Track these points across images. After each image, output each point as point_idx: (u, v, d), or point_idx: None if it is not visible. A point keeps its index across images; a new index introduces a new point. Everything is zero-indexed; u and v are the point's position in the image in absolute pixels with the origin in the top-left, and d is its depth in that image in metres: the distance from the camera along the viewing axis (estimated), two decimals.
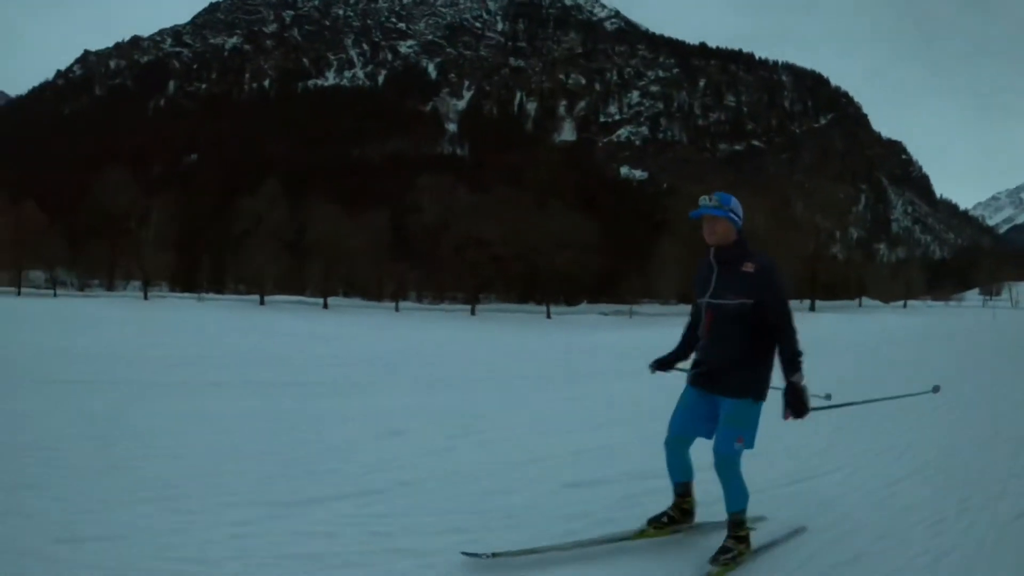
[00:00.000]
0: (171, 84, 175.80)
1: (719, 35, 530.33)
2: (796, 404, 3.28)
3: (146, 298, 54.03)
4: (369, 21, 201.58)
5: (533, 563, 3.19)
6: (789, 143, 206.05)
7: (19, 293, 54.23)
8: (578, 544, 3.39)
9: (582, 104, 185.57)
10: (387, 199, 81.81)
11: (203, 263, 71.35)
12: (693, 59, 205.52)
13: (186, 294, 61.50)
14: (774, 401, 3.40)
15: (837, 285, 70.77)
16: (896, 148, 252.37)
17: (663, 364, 3.76)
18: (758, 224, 73.09)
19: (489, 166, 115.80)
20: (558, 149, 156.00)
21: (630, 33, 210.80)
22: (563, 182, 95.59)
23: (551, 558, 3.23)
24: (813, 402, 3.39)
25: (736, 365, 3.36)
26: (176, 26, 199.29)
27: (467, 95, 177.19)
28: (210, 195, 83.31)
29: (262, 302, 54.31)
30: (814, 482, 4.65)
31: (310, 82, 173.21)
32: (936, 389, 4.19)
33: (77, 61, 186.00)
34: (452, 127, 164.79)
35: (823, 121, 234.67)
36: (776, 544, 3.54)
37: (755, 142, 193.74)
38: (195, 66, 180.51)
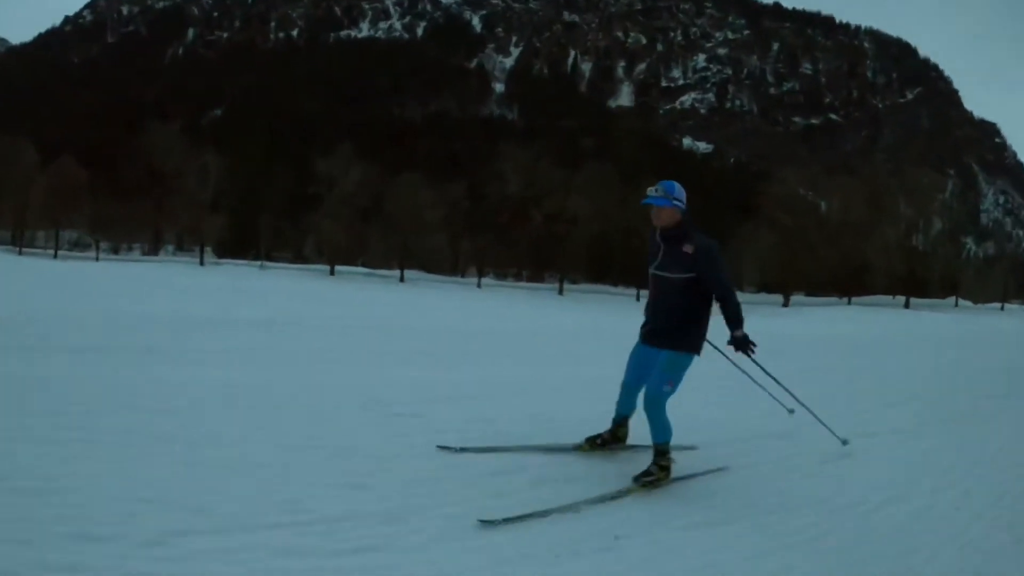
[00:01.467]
0: (190, 32, 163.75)
1: None
2: (739, 345, 4.05)
3: (202, 264, 53.02)
4: None
5: (494, 458, 4.14)
6: (870, 119, 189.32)
7: (55, 256, 52.93)
8: (529, 447, 4.36)
9: (642, 66, 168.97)
10: (433, 164, 77.85)
11: (261, 228, 66.67)
12: (766, 20, 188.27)
13: (239, 261, 57.66)
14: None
15: (931, 282, 66.10)
16: (989, 130, 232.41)
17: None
18: (853, 212, 65.47)
19: (541, 132, 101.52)
20: (615, 115, 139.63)
21: None
22: (641, 157, 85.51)
23: (507, 456, 4.18)
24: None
25: (676, 326, 4.03)
26: None
27: (515, 52, 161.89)
28: (246, 155, 75.17)
29: (332, 272, 51.14)
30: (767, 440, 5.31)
31: (343, 33, 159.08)
32: (791, 411, 5.13)
33: (87, 6, 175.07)
34: (499, 87, 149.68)
35: (909, 96, 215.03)
36: (695, 476, 4.25)
37: (832, 116, 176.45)
38: (216, 13, 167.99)
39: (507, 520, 3.25)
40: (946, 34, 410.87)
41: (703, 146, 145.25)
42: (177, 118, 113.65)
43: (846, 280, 60.91)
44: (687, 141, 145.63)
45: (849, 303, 56.75)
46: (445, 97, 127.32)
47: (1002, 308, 60.24)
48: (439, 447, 4.14)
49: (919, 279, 63.38)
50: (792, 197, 70.59)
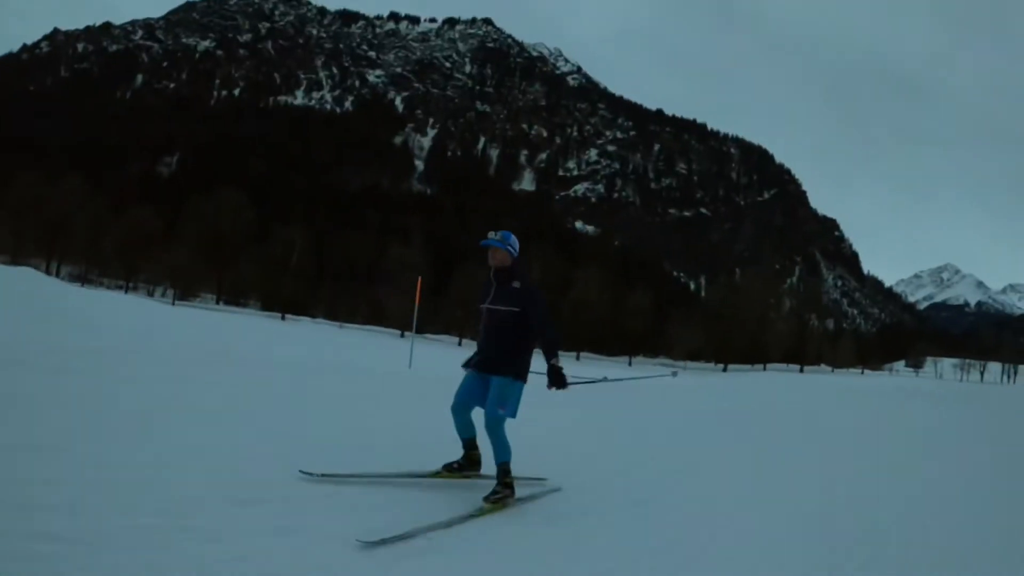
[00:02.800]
0: (139, 78, 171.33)
1: (673, 101, 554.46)
2: (556, 379, 4.42)
3: (284, 319, 58.02)
4: (341, 45, 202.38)
5: (354, 484, 4.37)
6: (733, 213, 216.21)
7: (172, 302, 56.36)
8: (389, 475, 4.60)
9: (543, 156, 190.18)
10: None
11: (322, 290, 73.60)
12: (650, 124, 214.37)
13: (299, 317, 63.57)
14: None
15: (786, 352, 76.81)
16: (830, 225, 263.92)
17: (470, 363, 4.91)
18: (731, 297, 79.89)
19: (459, 209, 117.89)
20: (519, 198, 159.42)
21: (591, 91, 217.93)
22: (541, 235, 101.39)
23: (368, 482, 4.43)
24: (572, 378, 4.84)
25: (505, 354, 4.51)
26: (149, 19, 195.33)
27: (431, 132, 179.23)
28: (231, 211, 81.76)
29: (402, 335, 54.35)
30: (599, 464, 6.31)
31: (280, 98, 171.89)
32: (674, 373, 7.33)
33: (45, 38, 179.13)
34: (420, 164, 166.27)
35: (767, 195, 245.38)
36: (535, 497, 4.73)
37: (703, 210, 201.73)
38: (165, 63, 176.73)
39: (384, 540, 3.43)
40: (797, 142, 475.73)
41: (592, 229, 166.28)
42: (133, 161, 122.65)
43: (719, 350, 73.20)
44: (579, 224, 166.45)
45: (724, 370, 66.86)
46: (375, 169, 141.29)
47: (862, 372, 73.49)
48: (302, 472, 4.24)
49: (792, 350, 75.02)
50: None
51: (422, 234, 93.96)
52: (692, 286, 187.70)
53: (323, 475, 4.29)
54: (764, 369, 68.75)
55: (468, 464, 4.77)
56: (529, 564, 3.51)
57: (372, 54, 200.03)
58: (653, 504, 5.01)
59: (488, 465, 4.62)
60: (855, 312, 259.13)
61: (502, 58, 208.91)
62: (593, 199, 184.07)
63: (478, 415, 4.59)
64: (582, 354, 67.06)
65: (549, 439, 6.80)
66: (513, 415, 4.50)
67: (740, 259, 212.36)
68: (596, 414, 10.80)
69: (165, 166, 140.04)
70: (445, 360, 21.34)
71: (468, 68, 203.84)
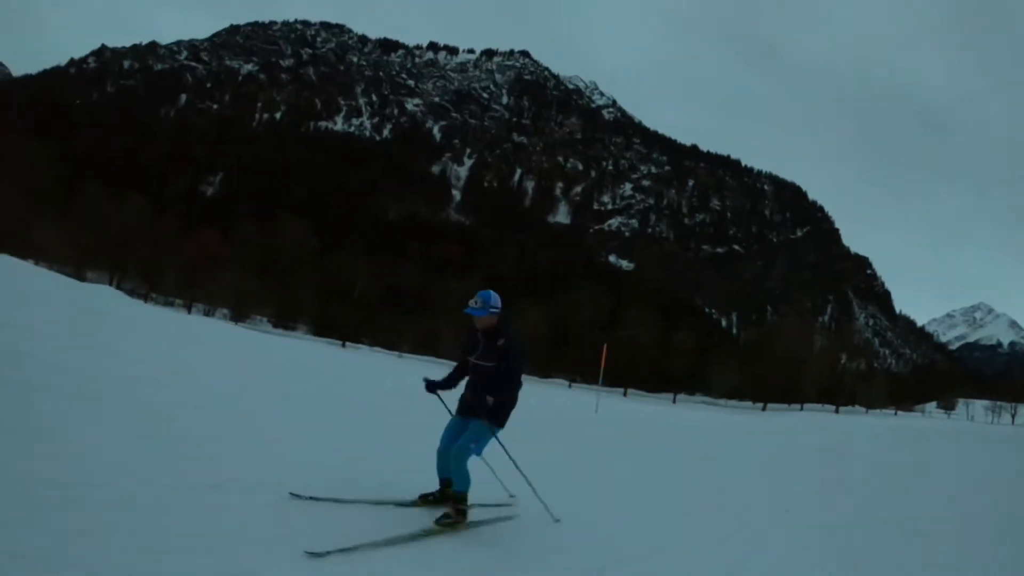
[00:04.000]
0: (183, 97, 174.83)
1: (708, 137, 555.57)
2: (488, 411, 4.98)
3: (344, 346, 59.65)
4: (380, 73, 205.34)
5: (340, 507, 4.76)
6: (766, 250, 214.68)
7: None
8: (368, 501, 5.03)
9: (578, 189, 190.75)
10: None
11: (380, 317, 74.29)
12: (684, 159, 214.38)
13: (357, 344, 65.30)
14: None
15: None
16: (862, 263, 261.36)
17: (433, 386, 5.48)
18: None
19: (497, 242, 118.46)
20: (554, 231, 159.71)
21: (626, 125, 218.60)
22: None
23: (354, 507, 4.82)
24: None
25: (487, 402, 4.94)
26: (194, 40, 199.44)
27: (467, 162, 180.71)
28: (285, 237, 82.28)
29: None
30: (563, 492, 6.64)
31: (320, 123, 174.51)
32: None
33: (93, 53, 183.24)
34: (457, 194, 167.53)
35: (799, 233, 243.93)
36: (486, 523, 5.21)
37: (736, 247, 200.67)
38: (208, 84, 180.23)
39: (314, 499, 4.25)
40: (829, 179, 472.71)
41: (626, 264, 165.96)
42: (176, 178, 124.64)
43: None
44: (613, 258, 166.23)
45: (764, 409, 67.84)
46: (414, 198, 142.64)
47: (895, 413, 73.17)
48: (292, 494, 4.64)
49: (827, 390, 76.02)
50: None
51: (462, 265, 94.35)
52: (724, 323, 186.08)
53: (312, 498, 4.73)
54: (801, 409, 68.64)
55: (443, 499, 5.16)
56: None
57: (411, 83, 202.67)
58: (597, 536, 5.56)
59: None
60: (886, 352, 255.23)
61: (539, 90, 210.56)
62: (627, 233, 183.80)
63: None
64: (629, 390, 67.93)
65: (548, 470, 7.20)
66: (479, 454, 5.07)
67: (772, 296, 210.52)
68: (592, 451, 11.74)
69: (208, 185, 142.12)
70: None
71: (505, 99, 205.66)
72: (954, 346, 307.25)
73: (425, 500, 5.19)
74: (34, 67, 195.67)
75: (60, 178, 68.76)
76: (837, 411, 68.56)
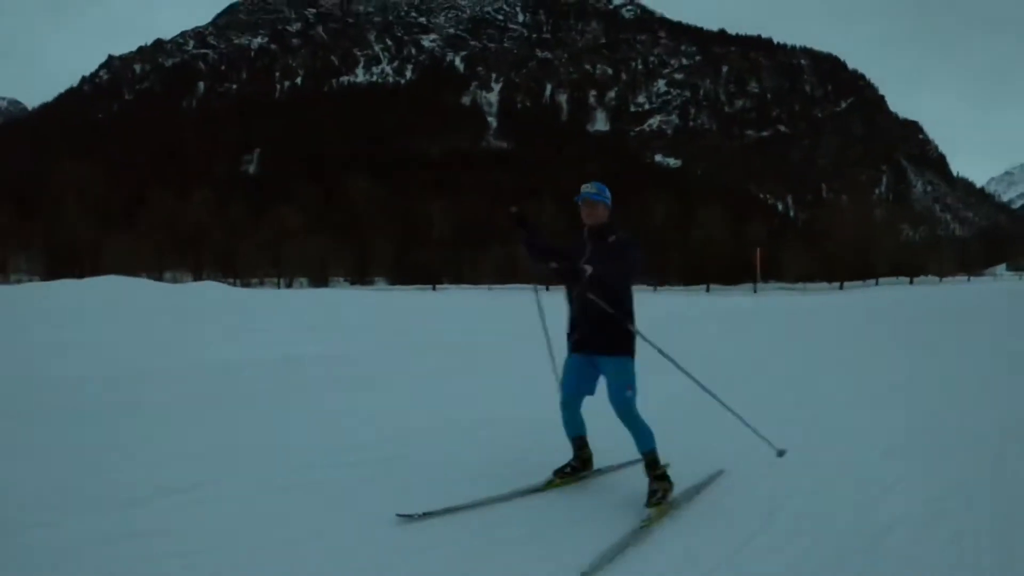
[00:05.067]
0: (200, 85, 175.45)
1: (734, 19, 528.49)
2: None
3: (435, 289, 60.00)
4: (390, 17, 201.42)
5: (461, 519, 3.42)
6: (812, 128, 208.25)
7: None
8: (496, 498, 3.65)
9: (611, 94, 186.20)
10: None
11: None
12: (714, 46, 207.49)
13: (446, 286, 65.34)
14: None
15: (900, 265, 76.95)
16: (912, 129, 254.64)
17: (526, 224, 3.98)
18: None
19: (543, 161, 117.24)
20: (595, 140, 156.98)
21: (649, 21, 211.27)
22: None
23: (477, 513, 3.49)
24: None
25: (612, 327, 3.67)
26: (198, 27, 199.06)
27: (496, 88, 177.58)
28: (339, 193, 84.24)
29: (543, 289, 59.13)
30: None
31: (342, 79, 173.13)
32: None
33: (102, 66, 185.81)
34: (492, 121, 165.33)
35: (843, 105, 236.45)
36: (699, 486, 3.87)
37: (781, 128, 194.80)
38: (223, 67, 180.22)
39: (426, 515, 3.28)
40: (866, 42, 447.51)
41: (672, 162, 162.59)
42: (217, 163, 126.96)
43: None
44: (659, 158, 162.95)
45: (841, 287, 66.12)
46: (451, 133, 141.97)
47: (968, 280, 71.43)
48: (399, 515, 3.39)
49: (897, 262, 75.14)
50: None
51: (514, 189, 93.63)
52: (780, 207, 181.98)
53: (424, 514, 3.45)
54: (876, 284, 67.51)
55: (581, 465, 4.05)
56: None
57: (423, 20, 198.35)
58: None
59: (601, 459, 4.07)
60: (948, 217, 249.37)
61: (553, 2, 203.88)
62: (669, 131, 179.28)
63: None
64: (712, 286, 67.98)
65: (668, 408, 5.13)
66: (636, 393, 3.72)
67: (824, 174, 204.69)
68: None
69: (247, 164, 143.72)
70: None
71: (521, 17, 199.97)
72: (1016, 204, 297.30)
73: (563, 475, 3.96)
74: (47, 95, 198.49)
75: (117, 191, 71.64)
76: (911, 282, 67.22)
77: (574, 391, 3.86)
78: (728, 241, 75.33)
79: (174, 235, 64.24)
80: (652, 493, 3.59)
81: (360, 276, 72.58)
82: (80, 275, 45.96)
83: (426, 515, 3.44)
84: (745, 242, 73.89)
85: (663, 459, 3.70)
